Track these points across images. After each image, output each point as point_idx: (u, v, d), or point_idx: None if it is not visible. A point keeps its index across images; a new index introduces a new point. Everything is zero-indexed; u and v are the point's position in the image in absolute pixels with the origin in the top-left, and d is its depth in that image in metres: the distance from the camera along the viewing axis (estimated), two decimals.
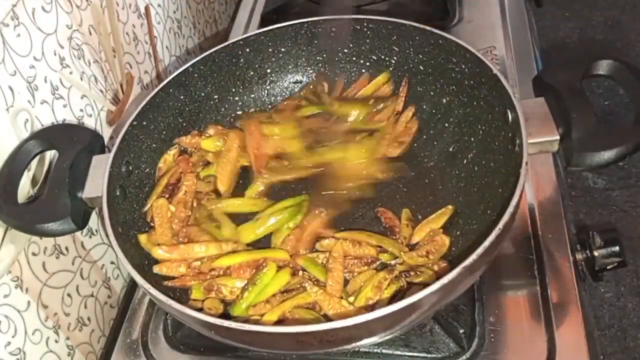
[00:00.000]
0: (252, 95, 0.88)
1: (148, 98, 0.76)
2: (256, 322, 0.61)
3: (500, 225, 0.55)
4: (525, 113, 0.64)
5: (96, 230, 0.83)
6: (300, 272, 0.67)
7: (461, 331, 0.68)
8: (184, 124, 0.82)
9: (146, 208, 0.74)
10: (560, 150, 0.64)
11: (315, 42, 0.86)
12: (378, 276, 0.63)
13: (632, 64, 0.67)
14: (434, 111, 0.81)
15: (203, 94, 0.84)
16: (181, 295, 0.68)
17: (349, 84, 0.87)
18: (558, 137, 0.64)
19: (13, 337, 0.67)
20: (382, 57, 0.84)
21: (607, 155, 0.61)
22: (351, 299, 0.63)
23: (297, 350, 0.57)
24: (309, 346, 0.55)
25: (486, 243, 0.54)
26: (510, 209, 0.56)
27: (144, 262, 0.68)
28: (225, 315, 0.64)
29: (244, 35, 0.84)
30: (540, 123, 0.65)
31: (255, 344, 0.57)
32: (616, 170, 0.62)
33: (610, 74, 0.67)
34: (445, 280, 0.52)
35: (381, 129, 0.81)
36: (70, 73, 0.78)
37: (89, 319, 0.81)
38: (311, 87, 0.87)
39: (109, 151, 0.71)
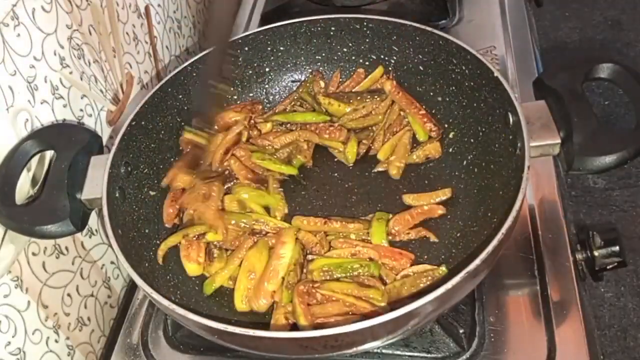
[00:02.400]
0: (251, 94, 0.88)
1: (146, 98, 0.76)
2: (261, 328, 0.61)
3: (504, 230, 0.55)
4: (527, 116, 0.64)
5: (96, 230, 0.83)
6: None
7: (461, 331, 0.68)
8: (183, 124, 0.82)
9: None
10: (562, 154, 0.64)
11: (314, 41, 0.86)
12: None
13: (633, 67, 0.67)
14: (433, 112, 0.81)
15: None
16: (182, 297, 0.68)
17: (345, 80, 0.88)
18: (559, 141, 0.64)
19: (13, 337, 0.67)
20: (382, 56, 0.84)
21: (608, 159, 0.61)
22: None
23: (300, 354, 0.57)
24: (312, 351, 0.55)
25: (489, 248, 0.54)
26: (512, 214, 0.56)
27: (144, 264, 0.68)
28: (228, 320, 0.64)
29: (243, 34, 0.84)
30: (541, 126, 0.65)
31: (259, 349, 0.57)
32: (616, 170, 0.62)
33: (611, 77, 0.67)
34: (448, 285, 0.52)
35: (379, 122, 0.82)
36: (70, 73, 0.77)
37: (89, 319, 0.81)
38: (307, 84, 0.87)
39: (109, 151, 0.71)
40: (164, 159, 0.79)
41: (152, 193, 0.76)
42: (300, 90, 0.87)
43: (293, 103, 0.87)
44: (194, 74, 0.81)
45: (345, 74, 0.88)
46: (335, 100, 0.83)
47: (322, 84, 0.86)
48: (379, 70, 0.85)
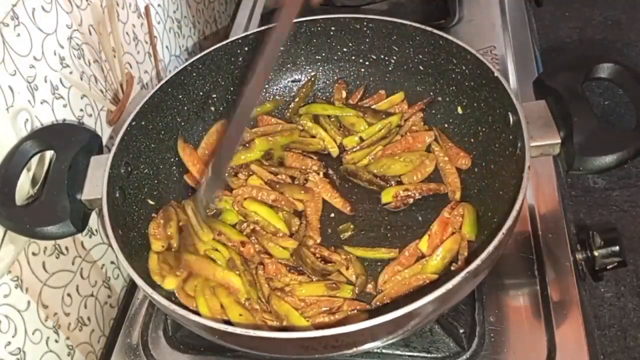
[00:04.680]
0: None
1: (146, 98, 0.76)
2: (260, 328, 0.61)
3: (504, 230, 0.55)
4: (527, 116, 0.64)
5: (96, 230, 0.83)
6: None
7: (461, 331, 0.68)
8: (183, 124, 0.82)
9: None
10: (562, 153, 0.64)
11: (314, 41, 0.86)
12: None
13: (633, 67, 0.67)
14: (433, 112, 0.81)
15: (202, 93, 0.84)
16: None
17: (354, 86, 0.88)
18: (559, 141, 0.64)
19: (13, 337, 0.67)
20: (382, 56, 0.84)
21: (608, 159, 0.61)
22: None
23: (301, 354, 0.57)
24: (313, 351, 0.55)
25: (489, 248, 0.54)
26: (513, 214, 0.56)
27: (144, 264, 0.68)
28: (228, 320, 0.64)
29: (243, 34, 0.84)
30: (541, 126, 0.65)
31: (260, 349, 0.57)
32: (616, 170, 0.62)
33: (612, 77, 0.67)
34: (449, 285, 0.52)
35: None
36: (70, 73, 0.77)
37: (89, 318, 0.81)
38: (335, 94, 0.87)
39: (109, 151, 0.70)
40: (164, 159, 0.79)
41: (152, 193, 0.76)
42: (301, 93, 0.87)
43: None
44: (194, 74, 0.81)
45: (344, 74, 0.88)
46: (352, 110, 0.83)
47: (344, 93, 0.86)
48: (399, 95, 0.84)
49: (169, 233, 0.71)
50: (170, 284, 0.67)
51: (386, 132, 0.81)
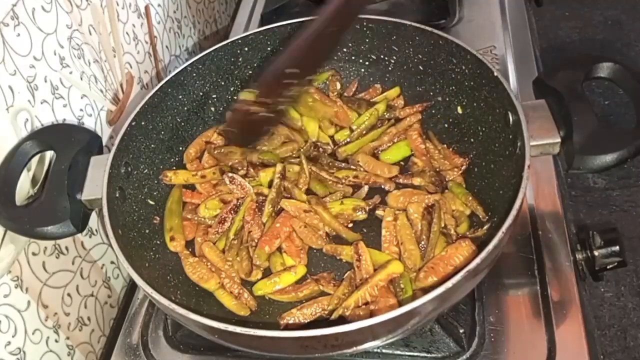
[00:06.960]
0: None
1: (146, 99, 0.76)
2: (261, 327, 0.62)
3: (504, 229, 0.55)
4: (527, 115, 0.64)
5: (96, 230, 0.83)
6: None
7: (461, 331, 0.68)
8: (183, 124, 0.82)
9: None
10: (562, 153, 0.64)
11: None
12: None
13: (632, 66, 0.67)
14: (433, 111, 0.81)
15: (201, 94, 0.84)
16: (182, 297, 0.68)
17: (349, 81, 0.88)
18: (559, 140, 0.64)
19: (13, 336, 0.67)
20: (382, 56, 0.84)
21: (608, 158, 0.61)
22: None
23: (301, 354, 0.57)
24: (313, 350, 0.55)
25: (489, 247, 0.54)
26: (513, 213, 0.56)
27: (144, 264, 0.68)
28: (228, 319, 0.64)
29: (243, 34, 0.84)
30: (541, 125, 0.65)
31: (260, 349, 0.57)
32: (616, 170, 0.62)
33: (611, 76, 0.67)
34: (448, 284, 0.52)
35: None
36: (70, 73, 0.77)
37: (89, 318, 0.81)
38: (329, 86, 0.87)
39: (109, 151, 0.71)
40: (164, 159, 0.79)
41: (152, 193, 0.76)
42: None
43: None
44: (194, 74, 0.81)
45: (344, 74, 0.88)
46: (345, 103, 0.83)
47: (339, 85, 0.86)
48: (395, 90, 0.84)
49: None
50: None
51: (375, 120, 0.81)
